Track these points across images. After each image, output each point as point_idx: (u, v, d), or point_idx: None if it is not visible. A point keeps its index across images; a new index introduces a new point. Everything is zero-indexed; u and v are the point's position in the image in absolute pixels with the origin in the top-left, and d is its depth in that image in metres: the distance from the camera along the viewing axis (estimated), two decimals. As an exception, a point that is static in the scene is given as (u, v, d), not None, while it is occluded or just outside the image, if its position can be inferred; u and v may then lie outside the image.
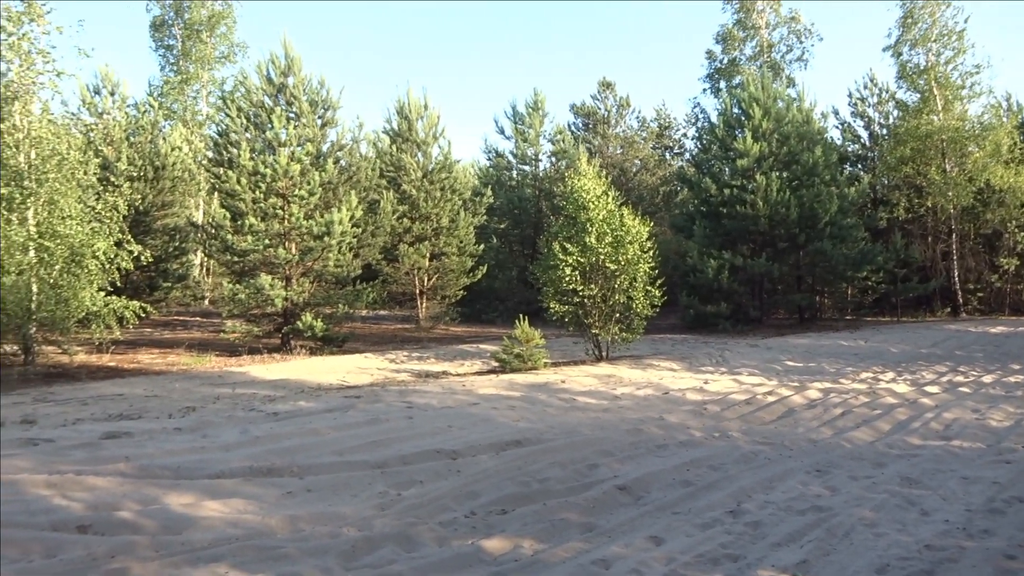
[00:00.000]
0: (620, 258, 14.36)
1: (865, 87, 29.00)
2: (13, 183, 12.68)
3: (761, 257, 22.42)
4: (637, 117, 36.30)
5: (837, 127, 30.01)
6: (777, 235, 22.78)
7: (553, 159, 28.45)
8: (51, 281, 12.96)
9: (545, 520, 5.08)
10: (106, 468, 6.12)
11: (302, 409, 9.22)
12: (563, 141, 27.77)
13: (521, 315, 14.04)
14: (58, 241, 12.89)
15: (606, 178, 15.82)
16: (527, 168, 28.53)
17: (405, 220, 22.55)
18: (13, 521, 4.77)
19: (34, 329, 13.12)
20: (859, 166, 29.56)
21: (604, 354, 14.95)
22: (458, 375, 13.31)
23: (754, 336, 19.98)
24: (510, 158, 28.57)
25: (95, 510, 5.09)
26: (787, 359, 14.94)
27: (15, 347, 13.63)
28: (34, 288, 12.83)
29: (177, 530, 4.75)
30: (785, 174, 22.89)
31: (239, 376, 12.86)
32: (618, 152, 34.55)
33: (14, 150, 12.69)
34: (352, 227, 16.53)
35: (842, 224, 22.52)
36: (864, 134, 29.44)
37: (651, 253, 14.94)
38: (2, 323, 12.89)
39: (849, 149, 29.37)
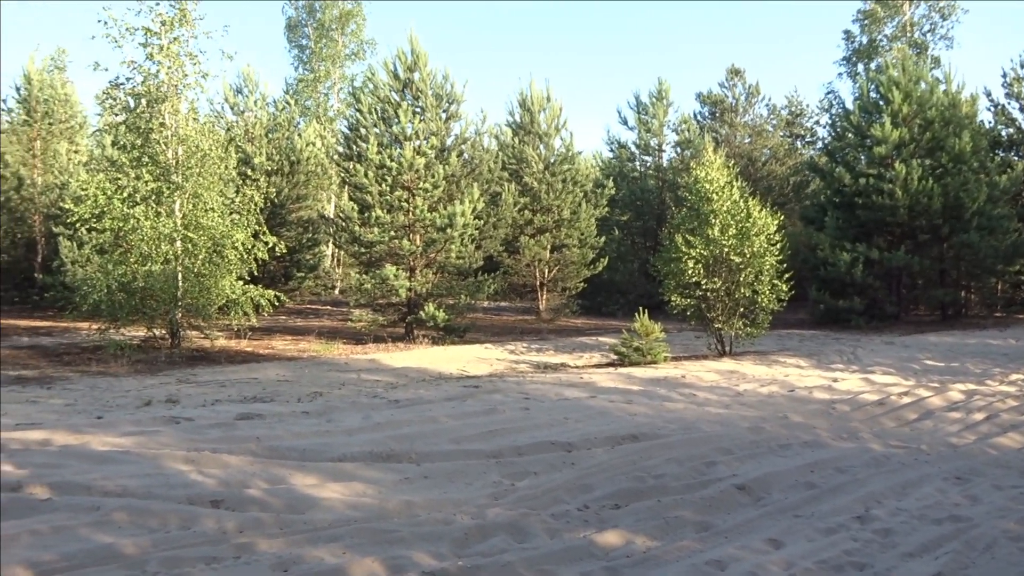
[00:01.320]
0: (745, 251, 13.91)
1: (1022, 65, 26.77)
2: (162, 178, 13.59)
3: (899, 250, 21.17)
4: (767, 105, 34.97)
5: (989, 109, 27.86)
6: (918, 227, 21.44)
7: (677, 149, 27.89)
8: (195, 270, 13.83)
9: (659, 517, 4.97)
10: (239, 447, 6.45)
11: (422, 397, 9.42)
12: (688, 131, 27.16)
13: (642, 308, 13.83)
14: (201, 232, 13.74)
15: (733, 168, 15.34)
16: (650, 159, 28.09)
17: (526, 212, 22.66)
18: (153, 493, 5.10)
19: (180, 315, 14.03)
20: (1013, 152, 27.35)
21: (727, 349, 14.54)
22: (576, 367, 13.27)
23: (890, 333, 18.91)
24: (633, 149, 28.20)
25: (227, 487, 5.37)
26: (926, 358, 14.05)
27: (163, 331, 14.62)
28: (180, 276, 13.72)
29: (301, 510, 4.94)
30: (928, 162, 21.48)
31: (364, 363, 13.30)
32: (746, 141, 33.45)
33: (163, 147, 13.58)
34: (474, 219, 16.76)
35: (992, 214, 20.93)
36: (1020, 117, 27.20)
37: (779, 245, 14.38)
38: (151, 308, 13.87)
39: (1003, 134, 27.21)
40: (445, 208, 16.59)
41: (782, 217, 15.04)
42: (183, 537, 4.38)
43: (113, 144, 15.55)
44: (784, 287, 14.31)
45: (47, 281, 20.21)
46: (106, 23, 13.09)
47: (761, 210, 14.36)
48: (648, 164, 28.14)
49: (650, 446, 6.75)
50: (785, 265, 14.67)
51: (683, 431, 7.44)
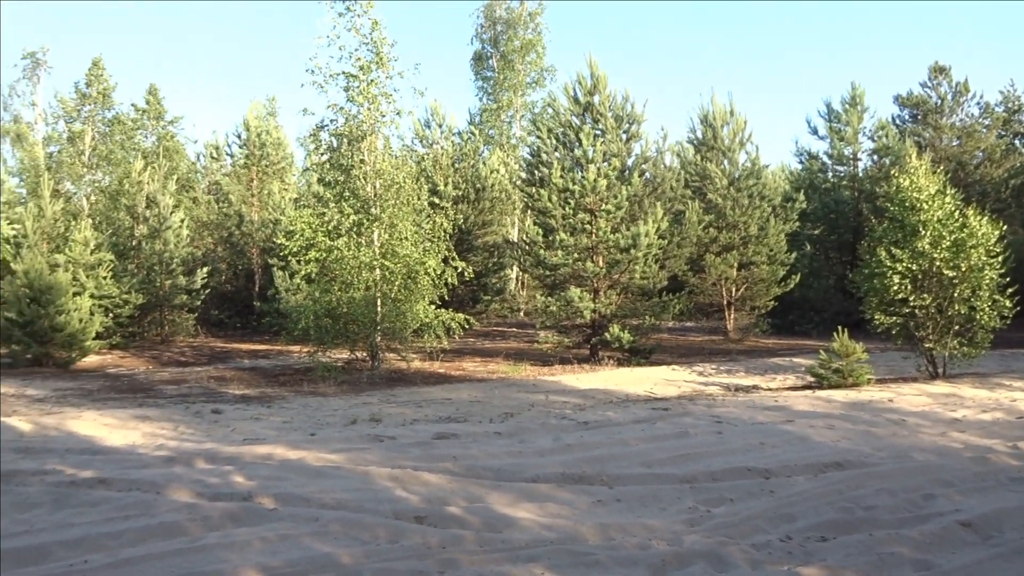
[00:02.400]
0: (961, 264, 12.80)
1: None
2: (362, 211, 14.56)
3: None
4: (978, 103, 32.07)
5: None
6: None
7: (874, 157, 26.17)
8: (392, 296, 14.67)
9: (872, 552, 4.65)
10: (438, 466, 6.75)
11: (611, 419, 9.42)
12: (886, 136, 25.44)
13: (839, 327, 13.07)
14: (397, 260, 14.56)
15: (942, 174, 14.21)
16: (844, 169, 26.56)
17: (711, 230, 22.13)
18: (364, 507, 5.44)
19: (379, 338, 14.90)
20: None
21: (940, 371, 13.40)
22: (769, 390, 12.75)
23: None
24: (824, 159, 26.80)
25: (429, 503, 5.63)
26: None
27: (364, 353, 15.57)
28: (378, 302, 14.60)
29: (498, 528, 5.09)
30: None
31: (551, 385, 13.48)
32: (954, 144, 30.82)
33: (363, 182, 14.56)
34: (658, 239, 16.60)
35: None
36: None
37: (1000, 257, 13.12)
38: (353, 332, 14.86)
39: None
40: (628, 229, 16.55)
41: (1003, 226, 13.71)
42: (392, 550, 4.63)
43: (319, 181, 16.86)
44: (1007, 303, 13.02)
45: (263, 308, 22.16)
46: (313, 72, 14.33)
47: (980, 219, 13.17)
48: (841, 174, 26.61)
49: (857, 475, 6.35)
50: (1008, 279, 13.35)
51: (894, 459, 6.94)
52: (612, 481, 6.36)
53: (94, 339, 17.16)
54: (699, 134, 24.02)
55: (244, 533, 4.89)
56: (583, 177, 16.54)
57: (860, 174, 26.08)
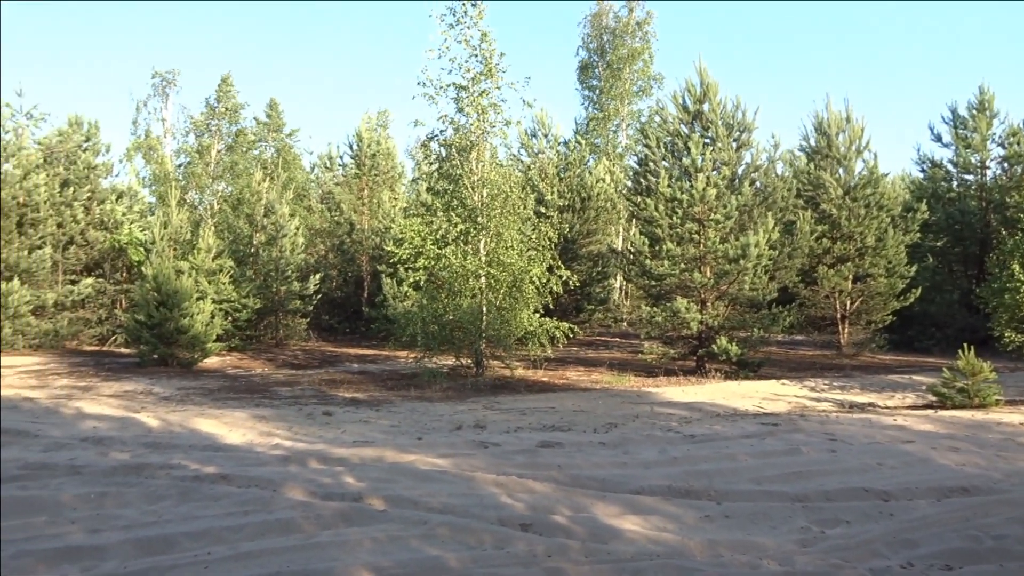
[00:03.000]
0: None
1: None
2: (469, 219, 14.79)
3: None
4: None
5: None
6: None
7: (1005, 165, 24.62)
8: (497, 304, 14.83)
9: (1002, 584, 4.39)
10: (542, 474, 6.77)
11: (718, 433, 9.21)
12: (1019, 143, 23.90)
13: (965, 344, 12.36)
14: (502, 269, 14.72)
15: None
16: (971, 177, 25.08)
17: (824, 240, 21.33)
18: (470, 512, 5.52)
19: (483, 345, 15.08)
20: None
21: (1078, 393, 12.49)
22: (887, 408, 12.17)
23: None
24: (949, 167, 25.40)
25: (534, 511, 5.65)
26: None
27: (468, 360, 15.79)
28: (483, 310, 14.78)
29: (604, 539, 5.06)
30: None
31: (656, 396, 13.30)
32: (1095, 151, 28.69)
33: (470, 191, 14.79)
34: (768, 249, 16.14)
35: None
36: None
37: None
38: (458, 339, 15.11)
39: None
40: (737, 239, 16.18)
41: None
42: (498, 556, 4.67)
43: (427, 190, 17.24)
44: None
45: (372, 314, 22.80)
46: (424, 84, 14.68)
47: None
48: (968, 183, 25.13)
49: (985, 502, 5.99)
50: None
51: (1026, 486, 6.51)
52: (720, 496, 6.22)
53: (215, 341, 18.07)
54: (812, 142, 23.21)
55: (355, 533, 5.03)
56: (691, 186, 16.26)
57: (989, 183, 24.56)
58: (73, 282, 21.78)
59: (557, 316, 16.73)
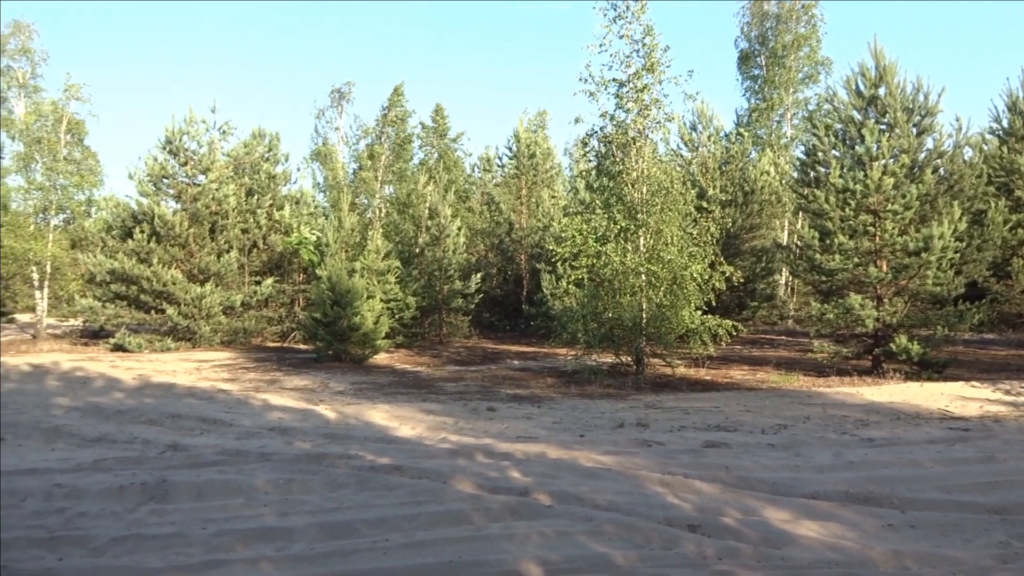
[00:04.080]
0: None
1: None
2: (629, 216, 14.67)
3: None
4: None
5: None
6: None
7: None
8: (657, 301, 14.61)
9: None
10: (708, 475, 6.60)
11: (899, 437, 8.64)
12: None
13: None
14: (662, 265, 14.48)
15: None
16: None
17: (1020, 231, 19.49)
18: (636, 511, 5.47)
19: (644, 343, 14.90)
20: None
21: None
22: (1099, 415, 10.95)
23: None
24: None
25: (702, 512, 5.53)
26: None
27: (628, 358, 15.66)
28: (644, 306, 14.61)
29: (777, 544, 4.87)
30: None
31: (828, 397, 12.64)
32: None
33: (630, 188, 14.66)
34: (954, 241, 14.94)
35: None
36: None
37: None
38: (619, 336, 15.02)
39: None
40: (918, 231, 15.08)
41: None
42: (666, 556, 4.61)
43: (587, 187, 17.23)
44: None
45: (531, 311, 23.10)
46: (584, 80, 14.65)
47: None
48: None
49: None
50: None
51: None
52: (904, 505, 5.83)
53: (383, 339, 18.93)
54: (1005, 123, 21.29)
55: (523, 527, 5.12)
56: (865, 176, 15.31)
57: None
58: (256, 283, 23.48)
59: (720, 313, 16.26)
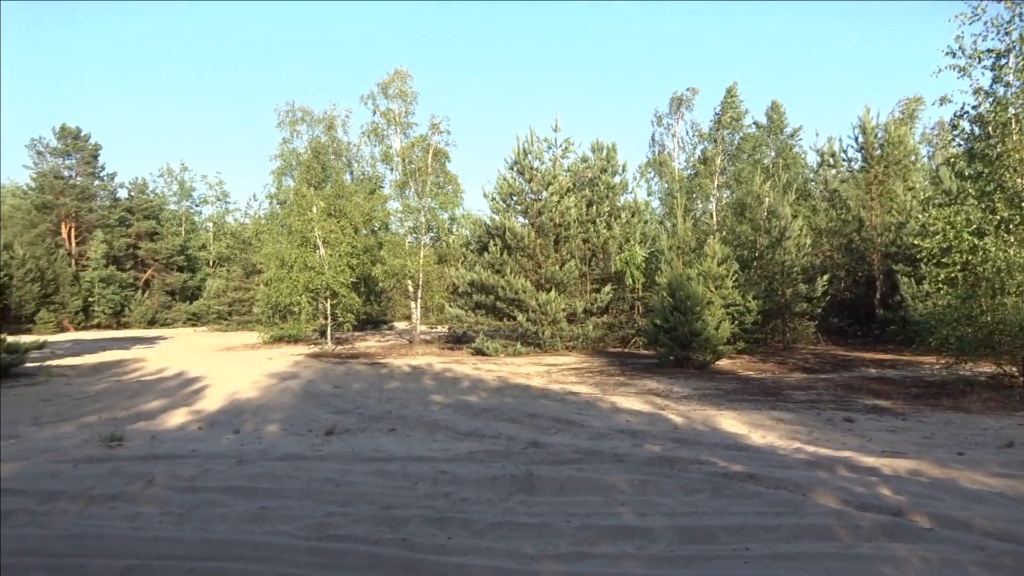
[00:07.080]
0: None
1: None
2: (1012, 205, 12.74)
3: None
4: None
5: None
6: None
7: None
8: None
9: None
10: None
11: None
12: None
13: None
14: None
15: None
16: None
17: None
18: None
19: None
20: None
21: None
22: None
23: None
24: None
25: None
26: None
27: (1014, 368, 13.57)
28: (1033, 309, 12.54)
29: None
30: None
31: None
32: None
33: (1012, 172, 12.71)
34: None
35: None
36: None
37: None
38: (999, 343, 13.04)
39: None
40: None
41: None
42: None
43: (955, 175, 15.28)
44: None
45: (887, 316, 21.10)
46: (954, 53, 12.85)
47: None
48: None
49: None
50: None
51: None
52: None
53: (725, 344, 18.52)
54: None
55: (900, 549, 4.66)
56: None
57: None
58: (596, 291, 24.33)
59: None
